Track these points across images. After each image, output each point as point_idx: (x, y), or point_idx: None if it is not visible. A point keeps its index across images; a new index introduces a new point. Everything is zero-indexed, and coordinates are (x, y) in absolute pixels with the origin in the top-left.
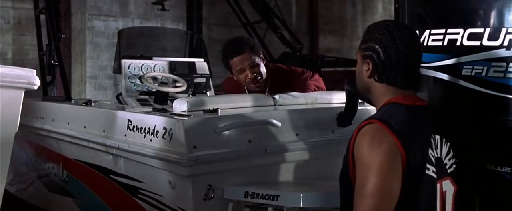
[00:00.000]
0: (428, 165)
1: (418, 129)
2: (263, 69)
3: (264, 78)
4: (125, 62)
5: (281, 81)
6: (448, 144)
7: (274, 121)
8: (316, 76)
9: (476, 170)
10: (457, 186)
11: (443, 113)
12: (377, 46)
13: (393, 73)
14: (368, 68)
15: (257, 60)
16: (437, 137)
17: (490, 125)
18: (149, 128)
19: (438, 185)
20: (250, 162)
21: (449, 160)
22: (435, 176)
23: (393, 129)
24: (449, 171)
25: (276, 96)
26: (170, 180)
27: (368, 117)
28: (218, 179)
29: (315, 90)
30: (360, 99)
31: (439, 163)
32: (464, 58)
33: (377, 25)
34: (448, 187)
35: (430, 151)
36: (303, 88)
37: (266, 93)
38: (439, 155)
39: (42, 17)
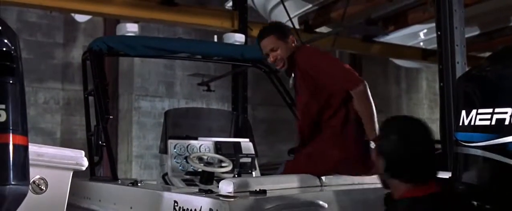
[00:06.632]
0: None
1: None
2: (281, 52)
3: (284, 60)
4: (171, 142)
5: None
6: None
7: (321, 202)
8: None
9: None
10: None
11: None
12: (386, 142)
13: (402, 168)
14: (382, 164)
15: (278, 44)
16: None
17: None
18: (195, 209)
19: None
20: None
21: None
22: None
23: None
24: None
25: (323, 177)
26: None
27: None
28: None
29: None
30: None
31: None
32: None
33: (389, 123)
34: None
35: None
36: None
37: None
38: None
39: (91, 98)
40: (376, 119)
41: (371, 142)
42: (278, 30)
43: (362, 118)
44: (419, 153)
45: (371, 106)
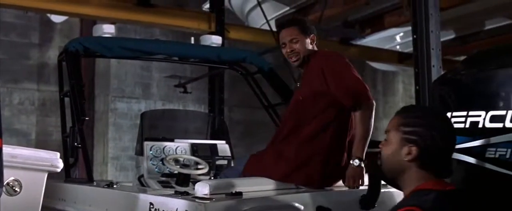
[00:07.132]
0: None
1: None
2: (300, 46)
3: (300, 55)
4: (147, 144)
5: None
6: None
7: (297, 204)
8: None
9: None
10: None
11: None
12: (425, 132)
13: (435, 161)
14: (410, 152)
15: (300, 37)
16: None
17: None
18: None
19: None
20: None
21: None
22: None
23: None
24: None
25: None
26: None
27: (403, 203)
28: None
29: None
30: (385, 181)
31: None
32: (487, 141)
33: (421, 110)
34: None
35: None
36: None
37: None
38: None
39: (67, 99)
40: (368, 141)
41: (356, 160)
42: (302, 24)
43: (356, 134)
44: (450, 148)
45: (371, 126)
